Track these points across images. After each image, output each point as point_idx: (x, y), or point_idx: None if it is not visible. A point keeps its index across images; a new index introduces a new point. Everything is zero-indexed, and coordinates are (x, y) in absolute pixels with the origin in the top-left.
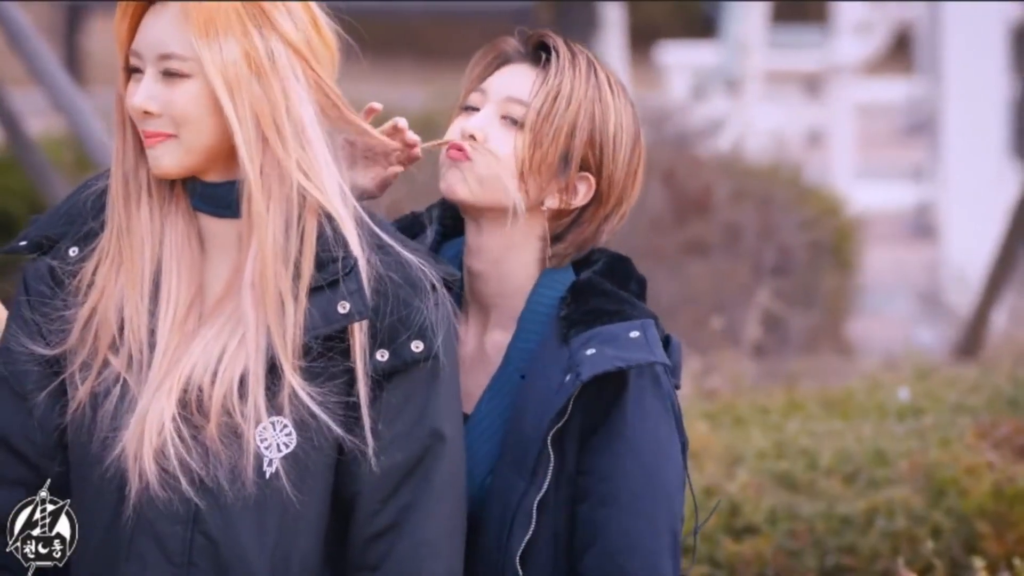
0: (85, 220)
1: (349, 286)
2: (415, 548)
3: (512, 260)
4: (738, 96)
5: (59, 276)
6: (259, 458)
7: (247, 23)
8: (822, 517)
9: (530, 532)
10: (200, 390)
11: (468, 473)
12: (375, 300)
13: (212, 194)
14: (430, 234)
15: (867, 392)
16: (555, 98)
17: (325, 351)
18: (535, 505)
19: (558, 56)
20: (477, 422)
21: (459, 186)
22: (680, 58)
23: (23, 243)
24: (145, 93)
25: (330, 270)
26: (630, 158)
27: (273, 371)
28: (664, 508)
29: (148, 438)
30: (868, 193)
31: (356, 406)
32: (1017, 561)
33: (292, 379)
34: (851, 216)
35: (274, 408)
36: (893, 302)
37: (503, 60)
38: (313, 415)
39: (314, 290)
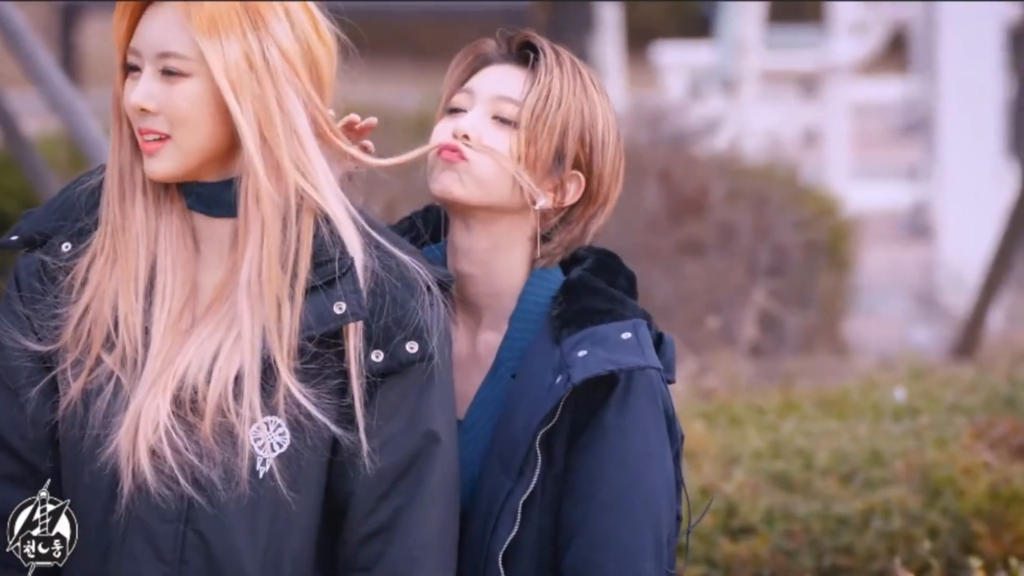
0: (78, 216)
1: (345, 287)
2: (408, 549)
3: (501, 261)
4: (734, 96)
5: (51, 271)
6: (252, 457)
7: (245, 24)
8: (818, 517)
9: (514, 531)
10: (195, 389)
11: (462, 476)
12: (370, 301)
13: (207, 194)
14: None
15: (863, 392)
16: (547, 97)
17: (320, 352)
18: (520, 504)
19: (544, 56)
20: (470, 424)
21: (455, 187)
22: (676, 58)
23: (14, 238)
24: (144, 91)
25: (326, 270)
26: (615, 156)
27: (268, 371)
28: (646, 509)
29: (143, 436)
30: (864, 193)
31: (351, 406)
32: (1013, 561)
33: (287, 379)
34: (847, 216)
35: (269, 408)
36: (889, 302)
37: (484, 61)
38: (308, 415)
39: (310, 290)
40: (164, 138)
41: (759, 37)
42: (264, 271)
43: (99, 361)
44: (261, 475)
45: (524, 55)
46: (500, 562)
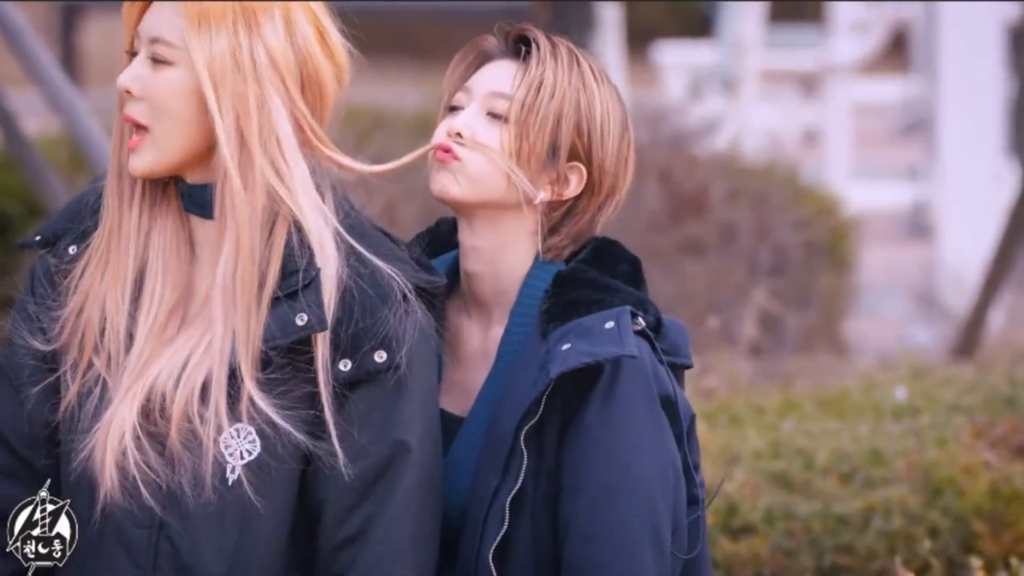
0: (84, 218)
1: (309, 298)
2: (379, 557)
3: (507, 258)
4: (734, 96)
5: (56, 273)
6: (221, 465)
7: (237, 22)
8: (819, 517)
9: (503, 529)
10: (163, 396)
11: (460, 473)
12: (339, 309)
13: (195, 195)
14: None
15: (863, 392)
16: (538, 88)
17: (288, 361)
18: (508, 502)
19: (539, 48)
20: (472, 420)
21: (451, 186)
22: (677, 58)
23: (37, 238)
24: (131, 73)
25: (291, 281)
26: (619, 145)
27: (233, 378)
28: (637, 499)
29: (110, 445)
30: (864, 193)
31: (320, 416)
32: (1014, 560)
33: (251, 387)
34: (847, 216)
35: (234, 415)
36: (889, 302)
37: (484, 58)
38: (273, 424)
39: (275, 300)
40: (143, 130)
41: (759, 37)
42: (238, 277)
43: (91, 364)
44: (230, 482)
45: (521, 49)
46: (490, 561)
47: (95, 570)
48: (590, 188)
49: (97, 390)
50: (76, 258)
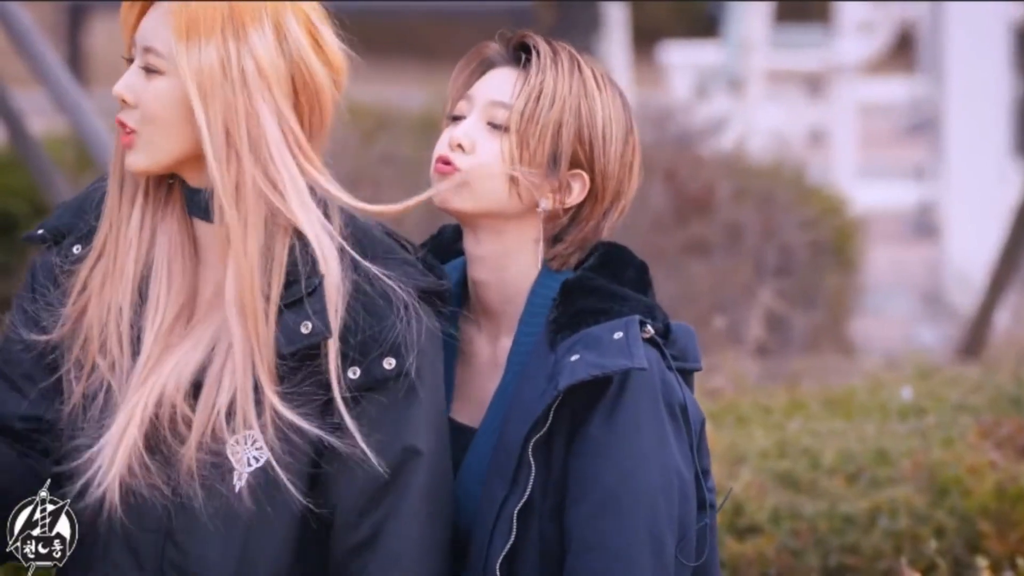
0: (89, 218)
1: (313, 306)
2: (391, 562)
3: (512, 266)
4: (740, 96)
5: (59, 272)
6: (229, 471)
7: (227, 31)
8: (825, 516)
9: (511, 540)
10: (173, 407)
11: (472, 483)
12: (347, 317)
13: (196, 199)
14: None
15: (869, 392)
16: (538, 97)
17: (301, 367)
18: (516, 513)
19: (539, 55)
20: (483, 431)
21: (453, 199)
22: (682, 58)
23: (40, 232)
24: (124, 82)
25: (294, 289)
26: (623, 151)
27: (256, 391)
28: (640, 511)
29: (118, 453)
30: (870, 193)
31: (331, 421)
32: (1020, 560)
33: (272, 398)
34: (853, 216)
35: (257, 427)
36: (895, 302)
37: (487, 65)
38: (295, 430)
39: (279, 310)
40: (133, 131)
41: (765, 37)
42: (246, 290)
43: (95, 367)
44: (237, 489)
45: (522, 56)
46: (498, 570)
47: (101, 571)
48: (593, 195)
49: (102, 394)
50: (80, 258)
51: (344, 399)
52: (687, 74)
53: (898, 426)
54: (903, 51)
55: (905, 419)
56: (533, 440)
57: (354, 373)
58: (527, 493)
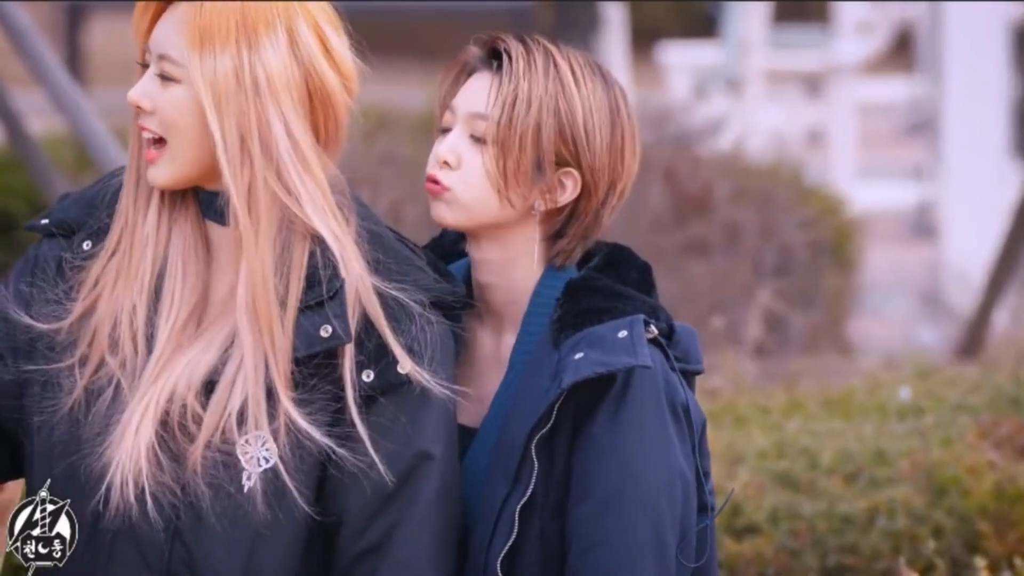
0: (100, 215)
1: (333, 309)
2: (401, 567)
3: (516, 268)
4: (739, 96)
5: (64, 268)
6: (238, 471)
7: (240, 40)
8: (823, 516)
9: (512, 537)
10: (184, 407)
11: (473, 483)
12: (363, 321)
13: (211, 203)
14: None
15: (868, 392)
16: (513, 104)
17: (314, 370)
18: (518, 510)
19: (511, 59)
20: (484, 429)
21: (447, 216)
22: (681, 58)
23: (44, 222)
24: (141, 89)
25: (316, 292)
26: (610, 139)
27: (270, 396)
28: (642, 510)
29: (124, 450)
30: (869, 193)
31: (344, 425)
32: (1018, 560)
33: (287, 405)
34: (852, 216)
35: (269, 431)
36: (894, 302)
37: (468, 71)
38: (307, 437)
39: (300, 312)
40: (161, 143)
41: (764, 37)
42: (259, 296)
43: (103, 362)
44: (246, 489)
45: (497, 60)
46: (498, 569)
47: (108, 570)
48: (587, 188)
49: (110, 390)
50: (91, 254)
51: (357, 403)
52: (686, 74)
53: (897, 426)
54: (902, 51)
55: (904, 419)
56: (536, 438)
57: (368, 376)
58: (529, 491)
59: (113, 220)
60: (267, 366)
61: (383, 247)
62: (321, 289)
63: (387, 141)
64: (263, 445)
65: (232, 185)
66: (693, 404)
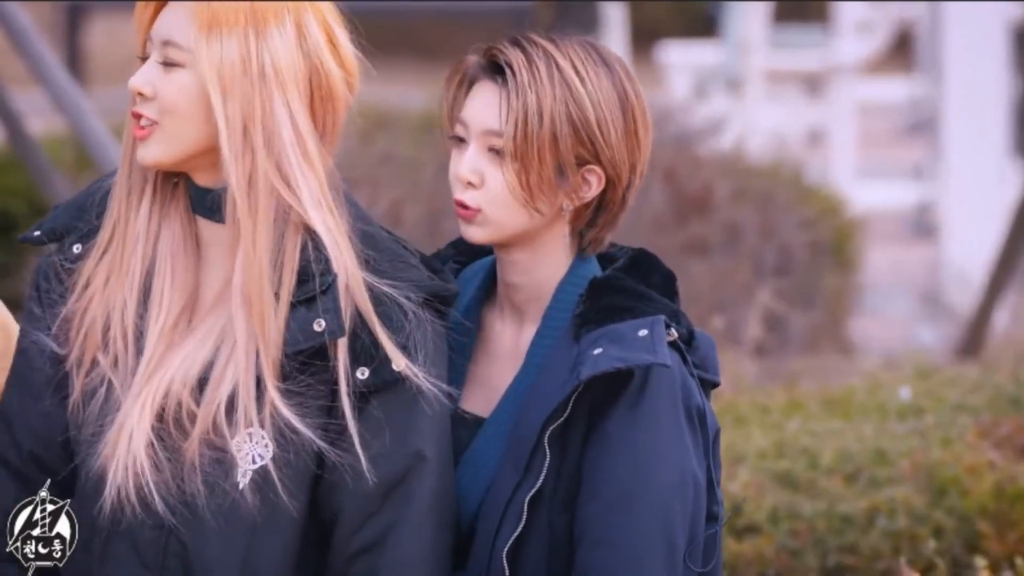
0: (90, 217)
1: (326, 304)
2: (396, 567)
3: (545, 266)
4: (739, 96)
5: (60, 272)
6: (233, 468)
7: (248, 28)
8: (823, 516)
9: (520, 528)
10: (179, 403)
11: (477, 473)
12: (358, 318)
13: (203, 198)
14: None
15: (868, 391)
16: (525, 119)
17: (307, 366)
18: (527, 501)
19: (514, 71)
20: (495, 419)
21: (479, 235)
22: (681, 58)
23: (36, 234)
24: (143, 76)
25: (308, 287)
26: (624, 126)
27: (258, 386)
28: (653, 509)
29: (124, 445)
30: (869, 192)
31: (338, 422)
32: (1019, 560)
33: (273, 395)
34: (852, 215)
35: (257, 422)
36: (894, 301)
37: (470, 80)
38: (292, 430)
39: (292, 306)
40: (153, 124)
41: (764, 37)
42: (254, 285)
43: (95, 363)
44: (241, 486)
45: (500, 68)
46: (504, 560)
47: (103, 569)
48: (611, 180)
49: (103, 390)
50: (81, 256)
51: (351, 401)
52: (686, 74)
53: (897, 426)
54: (902, 51)
55: (904, 419)
56: (550, 429)
57: (363, 373)
58: (540, 482)
59: (104, 219)
60: (258, 356)
61: (375, 245)
62: (314, 283)
63: (386, 141)
64: (259, 442)
65: (232, 172)
66: (709, 411)
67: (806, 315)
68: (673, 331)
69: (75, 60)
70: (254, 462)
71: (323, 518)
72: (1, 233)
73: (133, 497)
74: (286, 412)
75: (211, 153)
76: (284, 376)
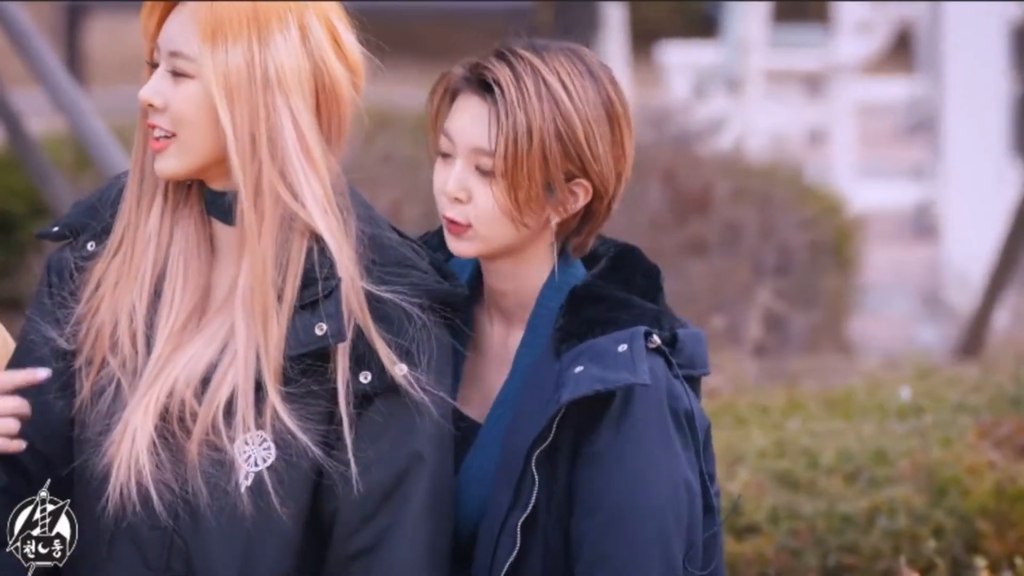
0: (104, 216)
1: (328, 308)
2: (393, 569)
3: (529, 274)
4: (739, 95)
5: (72, 270)
6: (234, 470)
7: (252, 34)
8: (823, 516)
9: (515, 553)
10: (183, 403)
11: (473, 482)
12: (361, 322)
13: (217, 201)
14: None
15: (868, 391)
16: (515, 139)
17: (308, 370)
18: (519, 525)
19: (502, 89)
20: (487, 430)
21: (468, 249)
22: (681, 58)
23: (55, 229)
24: (152, 87)
25: (311, 291)
26: (611, 138)
27: (258, 389)
28: (648, 524)
29: (128, 445)
30: (869, 192)
31: (336, 426)
32: (1019, 560)
33: (274, 399)
34: (852, 215)
35: (256, 424)
36: (894, 301)
37: (453, 91)
38: (292, 434)
39: (295, 310)
40: (170, 136)
41: (764, 36)
42: (257, 287)
43: (105, 363)
44: (242, 488)
45: (487, 83)
46: None
47: (106, 569)
48: (597, 192)
49: (111, 389)
50: (94, 255)
51: (350, 404)
52: (685, 74)
53: (897, 426)
54: (902, 51)
55: (904, 419)
56: (536, 453)
57: (365, 377)
58: (530, 507)
59: (116, 220)
60: (259, 359)
61: (381, 249)
62: (317, 288)
63: (387, 141)
64: (261, 444)
65: (240, 180)
66: (697, 409)
67: (806, 315)
68: (655, 338)
69: (75, 60)
70: (256, 464)
71: (322, 520)
72: (2, 233)
73: (134, 496)
74: (286, 416)
75: (225, 160)
76: (286, 380)
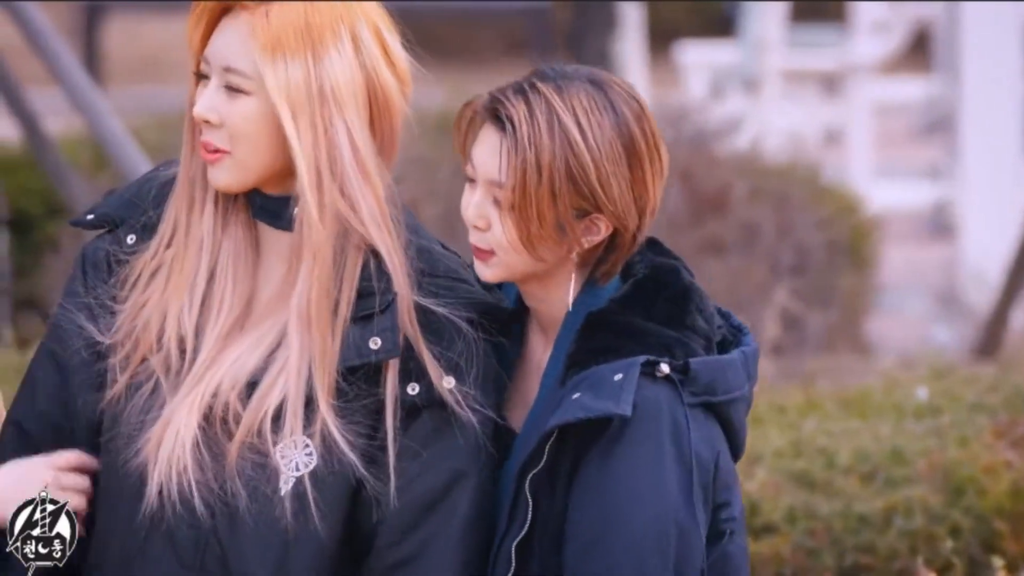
0: (145, 209)
1: (383, 323)
2: None
3: (560, 295)
4: (756, 95)
5: (113, 262)
6: (276, 474)
7: (307, 48)
8: (840, 516)
9: (510, 575)
10: (226, 405)
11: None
12: (412, 335)
13: (270, 206)
14: None
15: (885, 391)
16: (524, 174)
17: (358, 382)
18: (514, 548)
19: (514, 124)
20: (520, 442)
21: (489, 274)
22: (698, 57)
23: (90, 217)
24: (207, 103)
25: (367, 304)
26: (630, 177)
27: (309, 403)
28: (628, 554)
29: (167, 446)
30: (886, 192)
31: (382, 436)
32: None
33: (325, 411)
34: (869, 215)
35: (304, 435)
36: (911, 301)
37: (477, 122)
38: (338, 445)
39: (350, 323)
40: (225, 154)
41: (781, 36)
42: (314, 302)
43: (144, 361)
44: (283, 492)
45: (501, 114)
46: None
47: (141, 566)
48: (617, 228)
49: (149, 385)
50: (135, 250)
51: (397, 416)
52: (703, 74)
53: (913, 426)
54: (919, 51)
55: (920, 419)
56: (530, 476)
57: (413, 389)
58: (524, 529)
59: (162, 220)
60: (311, 372)
61: (432, 262)
62: (373, 301)
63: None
64: (304, 449)
65: (307, 196)
66: (704, 441)
67: (823, 315)
68: (663, 366)
69: (92, 60)
70: (297, 469)
71: (362, 529)
72: (18, 233)
73: (175, 495)
74: (334, 428)
75: (280, 171)
76: (337, 392)
